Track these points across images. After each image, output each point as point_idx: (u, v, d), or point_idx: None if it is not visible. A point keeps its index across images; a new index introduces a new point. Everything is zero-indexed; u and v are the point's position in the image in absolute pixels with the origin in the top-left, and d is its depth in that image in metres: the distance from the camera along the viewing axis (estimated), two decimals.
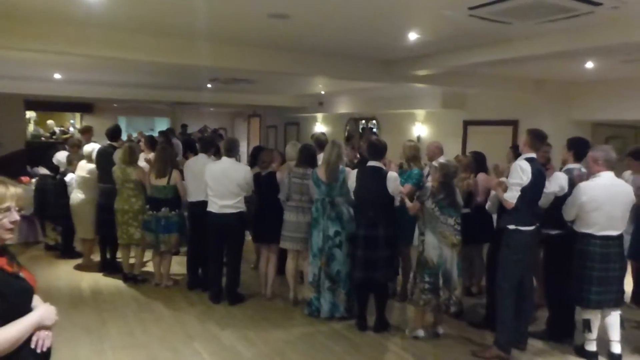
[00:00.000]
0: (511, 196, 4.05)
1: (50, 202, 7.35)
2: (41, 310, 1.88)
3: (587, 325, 4.31)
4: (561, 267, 4.52)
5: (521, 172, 4.02)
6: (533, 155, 4.18)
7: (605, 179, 4.20)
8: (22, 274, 1.89)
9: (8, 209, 1.82)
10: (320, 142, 6.06)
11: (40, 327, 1.85)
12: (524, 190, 4.02)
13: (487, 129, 9.09)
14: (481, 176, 5.24)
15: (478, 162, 5.45)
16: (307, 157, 5.32)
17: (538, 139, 4.24)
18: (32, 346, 1.81)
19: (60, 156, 7.44)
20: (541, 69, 6.95)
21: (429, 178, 5.57)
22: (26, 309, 1.85)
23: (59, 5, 4.36)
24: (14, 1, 4.27)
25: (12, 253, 1.91)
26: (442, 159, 5.72)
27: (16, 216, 1.84)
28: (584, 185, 4.23)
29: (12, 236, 1.85)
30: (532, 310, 4.81)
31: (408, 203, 4.67)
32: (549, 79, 8.13)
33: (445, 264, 4.43)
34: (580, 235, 4.25)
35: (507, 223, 4.14)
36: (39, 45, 5.09)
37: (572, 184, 4.36)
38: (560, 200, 4.35)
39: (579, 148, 4.60)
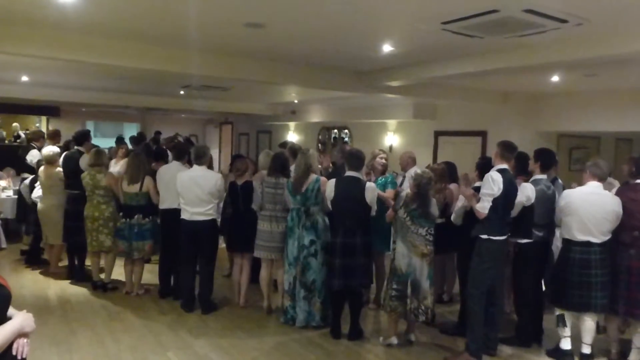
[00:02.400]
0: (482, 206, 4.16)
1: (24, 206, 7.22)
2: (21, 318, 1.87)
3: (561, 320, 4.46)
4: (530, 274, 4.70)
5: (492, 183, 4.14)
6: (505, 166, 4.30)
7: (588, 187, 4.40)
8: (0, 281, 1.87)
9: None
10: (294, 151, 6.08)
11: (20, 335, 1.83)
12: (496, 200, 4.13)
13: (457, 139, 9.31)
14: (453, 186, 5.35)
15: (450, 172, 5.56)
16: (278, 166, 5.33)
17: (508, 150, 4.38)
18: (14, 353, 1.79)
19: (34, 154, 7.28)
20: (509, 81, 7.17)
21: (403, 187, 5.68)
22: (3, 316, 1.83)
23: (34, 8, 4.28)
24: None
25: None
26: (415, 169, 5.83)
27: None
28: (566, 192, 4.52)
29: None
30: (502, 316, 4.94)
31: (390, 211, 4.73)
32: (516, 91, 8.39)
33: (414, 273, 4.48)
34: (563, 241, 4.48)
35: (479, 232, 4.25)
36: (11, 48, 4.99)
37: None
38: (527, 210, 4.51)
39: (545, 159, 4.80)
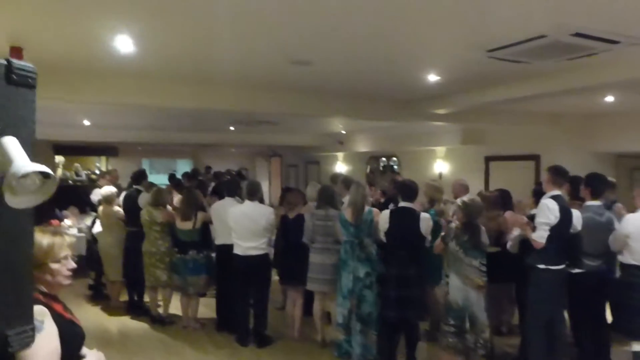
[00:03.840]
0: (540, 236, 4.04)
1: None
2: (94, 357, 1.97)
3: (638, 358, 4.20)
4: (586, 306, 4.48)
5: (548, 211, 4.02)
6: (558, 192, 4.18)
7: None
8: (74, 320, 1.98)
9: (66, 257, 1.94)
10: (348, 183, 6.08)
11: None
12: (553, 229, 4.00)
13: (509, 164, 9.09)
14: (507, 214, 5.22)
15: (504, 200, 5.43)
16: (327, 198, 5.37)
17: (560, 175, 4.26)
18: None
19: (98, 193, 7.64)
20: (560, 102, 6.99)
21: (455, 217, 5.58)
22: (77, 355, 1.93)
23: (93, 59, 4.59)
24: (50, 56, 4.51)
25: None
26: (466, 197, 5.73)
27: (73, 264, 1.97)
28: (630, 217, 4.30)
29: (68, 282, 1.97)
30: (566, 348, 4.71)
31: (440, 242, 4.63)
32: (568, 112, 8.15)
33: (470, 306, 4.26)
34: (626, 267, 4.26)
35: (535, 262, 4.12)
36: (73, 96, 5.35)
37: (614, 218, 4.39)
38: (574, 239, 4.33)
39: (595, 185, 4.58)
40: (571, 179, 4.47)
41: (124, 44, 4.00)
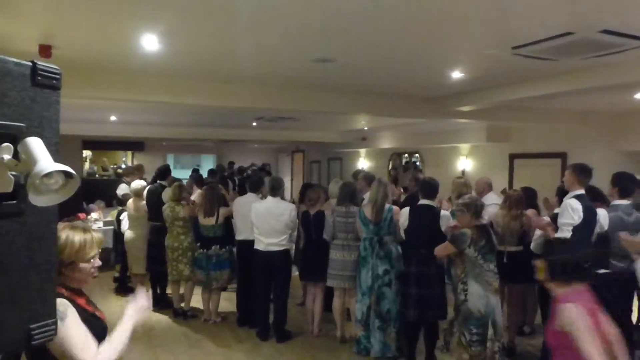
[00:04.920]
0: (563, 237, 3.96)
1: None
2: (138, 300, 2.17)
3: None
4: (610, 308, 4.37)
5: (572, 212, 3.95)
6: (581, 191, 4.10)
7: None
8: (97, 314, 2.03)
9: (94, 257, 2.00)
10: (369, 179, 6.06)
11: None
12: (576, 229, 3.93)
13: (535, 162, 8.93)
14: (530, 212, 5.14)
15: (528, 198, 5.34)
16: (347, 195, 5.37)
17: (584, 173, 4.17)
18: None
19: (123, 188, 7.79)
20: (588, 100, 6.83)
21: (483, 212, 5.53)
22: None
23: (120, 57, 4.67)
24: (80, 55, 4.61)
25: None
26: (492, 195, 5.66)
27: (99, 262, 2.02)
28: None
29: (94, 277, 2.03)
30: None
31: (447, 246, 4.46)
32: (597, 110, 7.96)
33: (493, 312, 4.13)
34: None
35: None
36: (100, 92, 5.45)
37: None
38: (601, 238, 4.23)
39: (623, 183, 4.46)
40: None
41: (150, 42, 4.06)
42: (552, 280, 2.85)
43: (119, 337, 2.03)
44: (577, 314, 2.60)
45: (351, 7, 3.23)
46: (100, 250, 2.03)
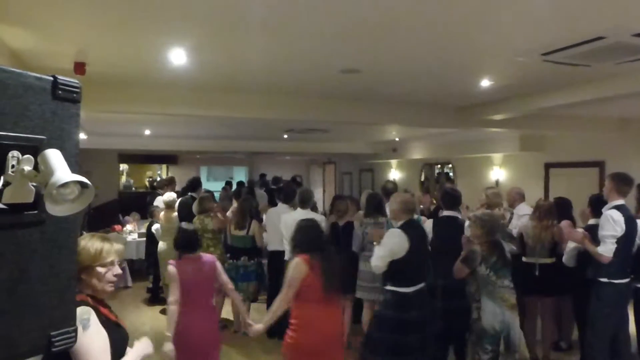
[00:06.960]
0: (607, 250, 3.82)
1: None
2: (143, 343, 2.10)
3: None
4: None
5: (614, 224, 3.80)
6: (622, 201, 3.95)
7: None
8: (120, 322, 2.08)
9: (112, 263, 2.06)
10: (387, 191, 6.03)
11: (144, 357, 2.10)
12: (617, 241, 3.78)
13: (571, 171, 8.69)
14: (564, 223, 4.99)
15: (562, 208, 5.19)
16: (374, 206, 5.35)
17: (624, 183, 4.02)
18: None
19: (159, 200, 7.95)
20: (626, 106, 6.63)
21: (512, 223, 5.40)
22: (122, 355, 2.03)
23: (150, 72, 4.80)
24: (112, 71, 4.76)
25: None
26: (524, 205, 5.53)
27: (119, 270, 2.08)
28: None
29: (112, 288, 2.07)
30: None
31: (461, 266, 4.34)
32: (636, 117, 7.71)
33: (507, 329, 3.94)
34: None
35: (598, 275, 3.91)
36: (133, 107, 5.62)
37: None
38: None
39: None
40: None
41: (178, 56, 4.16)
42: None
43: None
44: None
45: (379, 18, 3.23)
46: (119, 259, 2.08)
